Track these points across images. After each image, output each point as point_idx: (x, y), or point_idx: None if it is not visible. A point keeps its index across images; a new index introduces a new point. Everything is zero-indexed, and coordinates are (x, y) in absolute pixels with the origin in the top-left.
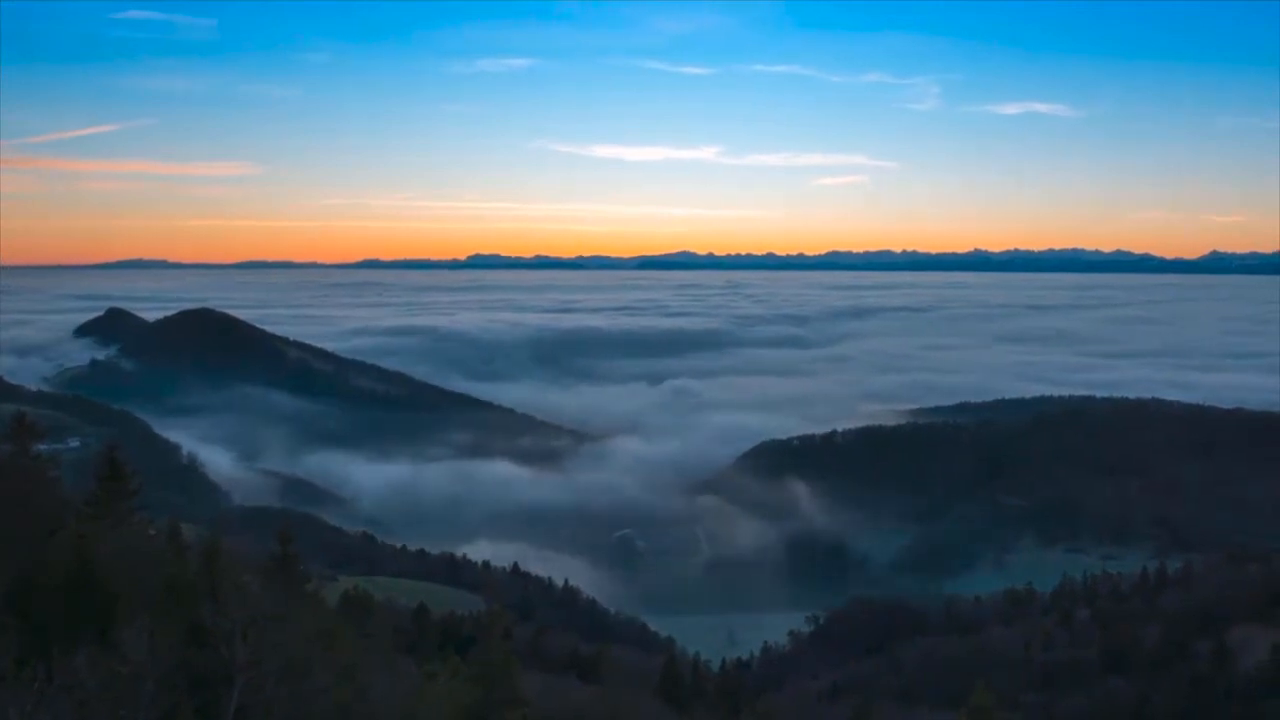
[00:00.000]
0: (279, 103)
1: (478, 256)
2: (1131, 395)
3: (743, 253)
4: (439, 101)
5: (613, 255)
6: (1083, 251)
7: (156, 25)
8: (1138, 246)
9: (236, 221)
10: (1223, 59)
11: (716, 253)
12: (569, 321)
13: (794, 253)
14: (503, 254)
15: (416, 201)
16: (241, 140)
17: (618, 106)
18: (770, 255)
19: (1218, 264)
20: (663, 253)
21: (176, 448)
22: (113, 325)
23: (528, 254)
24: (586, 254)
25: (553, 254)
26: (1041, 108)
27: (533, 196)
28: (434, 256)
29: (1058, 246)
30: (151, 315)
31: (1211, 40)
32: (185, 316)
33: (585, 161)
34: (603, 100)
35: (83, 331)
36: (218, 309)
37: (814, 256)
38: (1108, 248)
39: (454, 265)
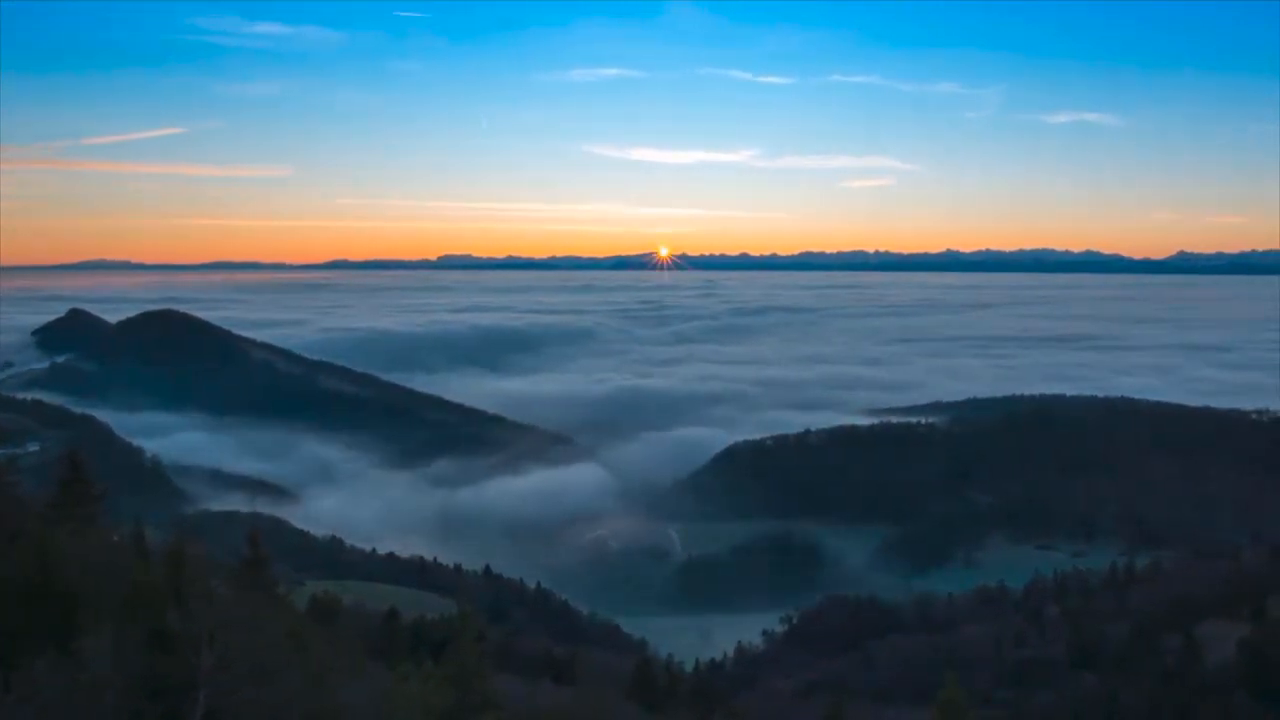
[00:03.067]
0: (350, 108)
1: (448, 257)
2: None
3: (716, 253)
4: (510, 108)
5: (586, 256)
6: (1053, 251)
7: (283, 38)
8: (1108, 247)
9: (214, 222)
10: (1198, 64)
11: (691, 253)
12: (487, 319)
13: (767, 253)
14: (474, 254)
15: (432, 203)
16: (294, 144)
17: (683, 111)
18: (744, 255)
19: (1185, 264)
20: (637, 253)
21: (140, 451)
22: (73, 327)
23: (499, 254)
24: (560, 254)
25: (525, 254)
26: (1091, 117)
27: (550, 199)
28: (404, 257)
29: (1028, 246)
30: (113, 316)
31: (1192, 45)
32: (147, 318)
33: (617, 164)
34: (670, 106)
35: (42, 333)
36: (181, 310)
37: (786, 257)
38: (1078, 248)
39: (424, 265)
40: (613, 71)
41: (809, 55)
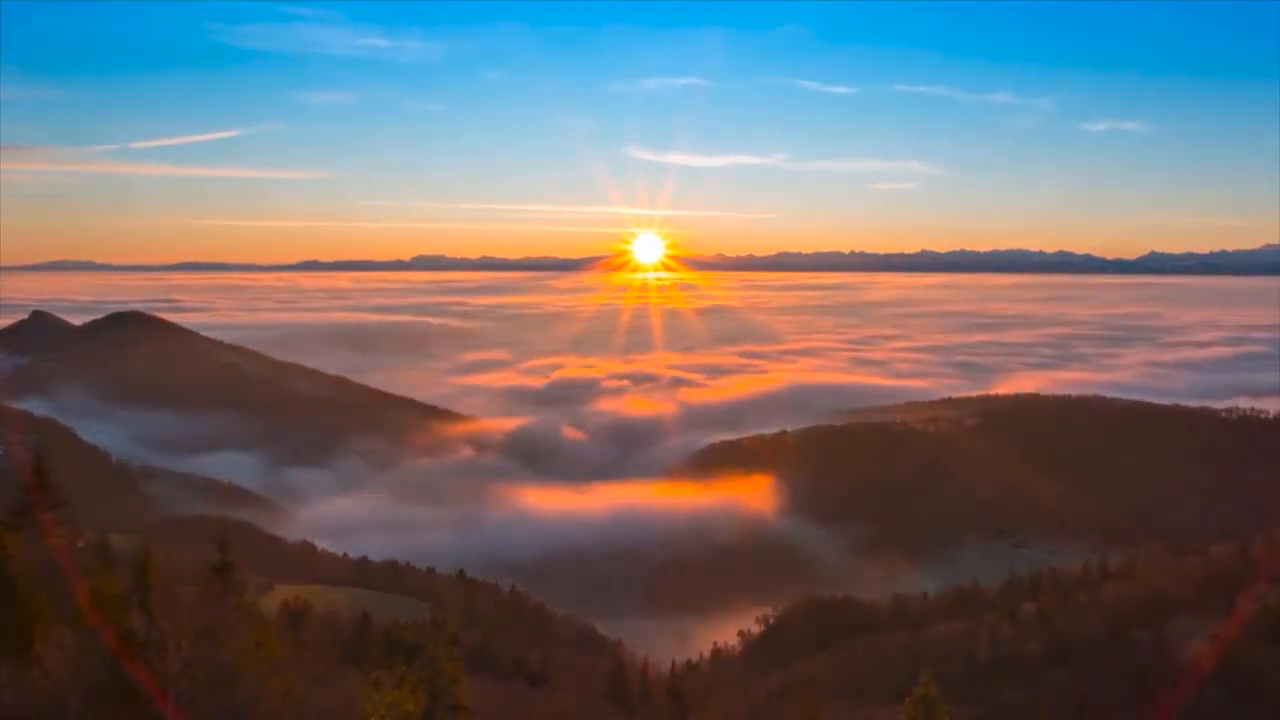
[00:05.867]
0: (415, 116)
1: (422, 258)
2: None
3: (694, 254)
4: (573, 116)
5: (561, 257)
6: (1026, 252)
7: (385, 49)
8: (1080, 247)
9: (208, 222)
10: (1175, 69)
11: (672, 254)
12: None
13: (744, 254)
14: (448, 255)
15: (461, 205)
16: (344, 149)
17: (736, 117)
18: (720, 256)
19: (1156, 264)
20: (615, 254)
21: (106, 455)
22: (37, 329)
23: (473, 255)
24: (535, 255)
25: (500, 255)
26: (1130, 125)
27: (560, 201)
28: (375, 258)
29: (1002, 248)
30: (78, 318)
31: (1185, 50)
32: (113, 320)
33: (648, 167)
34: (726, 112)
35: (4, 336)
36: (147, 311)
37: (762, 258)
38: (1050, 248)
39: (396, 266)
40: (683, 81)
41: (878, 66)
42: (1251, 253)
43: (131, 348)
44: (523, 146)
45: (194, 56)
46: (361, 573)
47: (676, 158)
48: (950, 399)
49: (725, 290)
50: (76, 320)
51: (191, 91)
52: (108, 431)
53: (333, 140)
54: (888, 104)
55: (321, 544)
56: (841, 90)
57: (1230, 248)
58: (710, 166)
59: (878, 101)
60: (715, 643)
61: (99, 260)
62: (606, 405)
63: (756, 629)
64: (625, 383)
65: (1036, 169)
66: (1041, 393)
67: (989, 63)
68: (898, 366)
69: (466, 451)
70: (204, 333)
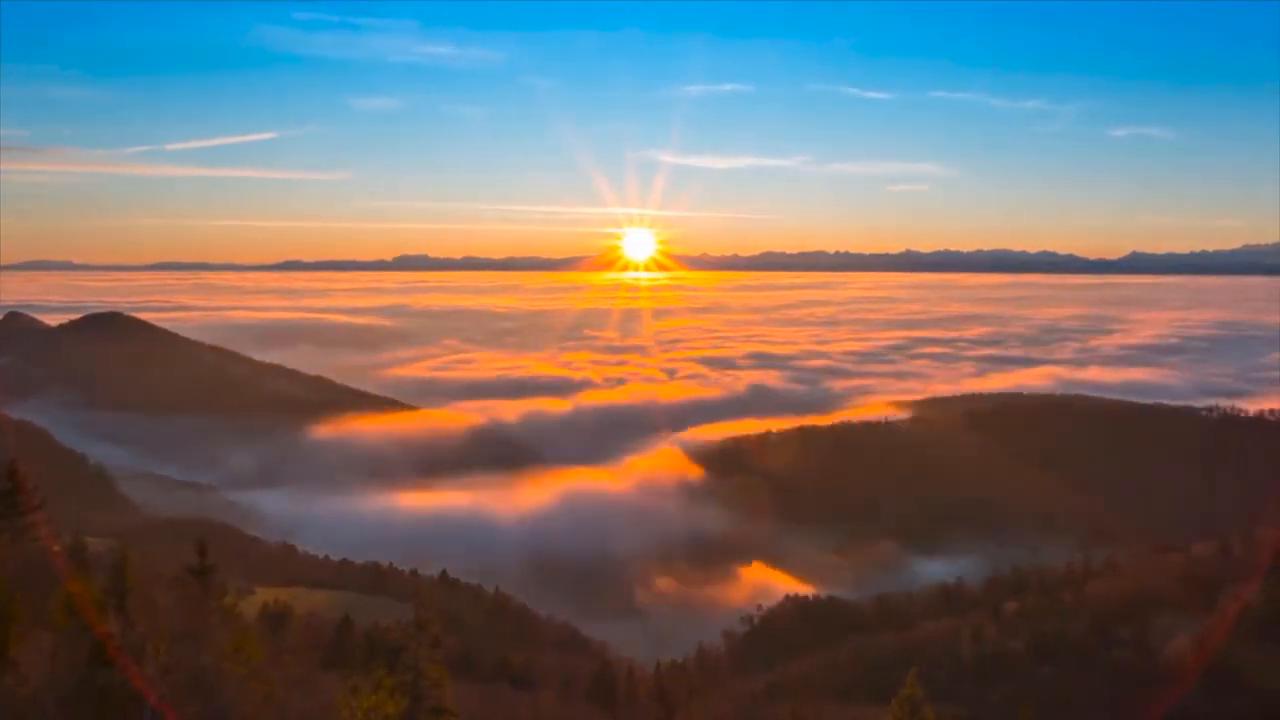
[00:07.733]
0: (450, 119)
1: (404, 258)
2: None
3: (681, 253)
4: (604, 121)
5: (544, 256)
6: (1009, 252)
7: (447, 56)
8: (1064, 247)
9: (174, 221)
10: (1161, 75)
11: (659, 254)
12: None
13: (729, 254)
14: (430, 255)
15: (473, 206)
16: (368, 151)
17: (769, 120)
18: (705, 256)
19: (1138, 264)
20: (591, 253)
21: (82, 458)
22: (12, 329)
23: (457, 255)
24: (520, 255)
25: (484, 255)
26: (1151, 131)
27: (564, 203)
28: (358, 258)
29: (986, 248)
30: (54, 318)
31: (1169, 52)
32: (90, 320)
33: (666, 169)
34: (759, 116)
35: None
36: (125, 312)
37: (748, 257)
38: (1034, 248)
39: (379, 266)
40: (728, 87)
41: (916, 73)
42: (1231, 253)
43: (108, 348)
44: (544, 150)
45: (255, 60)
46: (343, 574)
47: (693, 160)
48: (935, 398)
49: (713, 291)
50: (53, 320)
51: (243, 95)
52: (84, 433)
53: (361, 143)
54: (921, 109)
55: (302, 546)
56: (878, 95)
57: (1210, 248)
58: (724, 168)
59: (912, 107)
60: (700, 643)
61: (77, 260)
62: (587, 403)
63: (742, 629)
64: (603, 380)
65: (1041, 172)
66: (1024, 391)
67: (1029, 71)
68: (884, 365)
69: (449, 451)
70: (182, 333)
